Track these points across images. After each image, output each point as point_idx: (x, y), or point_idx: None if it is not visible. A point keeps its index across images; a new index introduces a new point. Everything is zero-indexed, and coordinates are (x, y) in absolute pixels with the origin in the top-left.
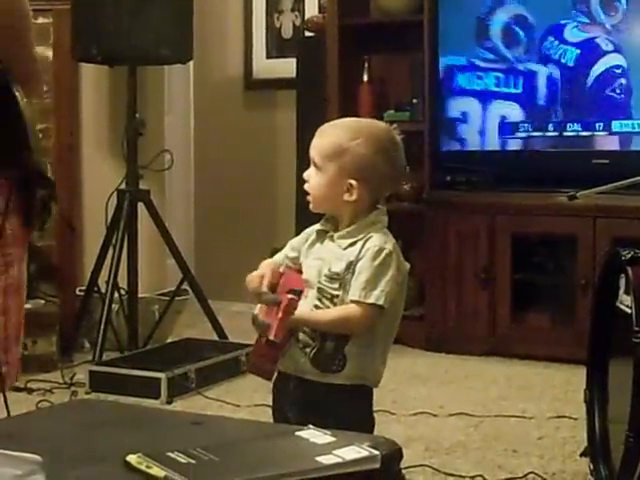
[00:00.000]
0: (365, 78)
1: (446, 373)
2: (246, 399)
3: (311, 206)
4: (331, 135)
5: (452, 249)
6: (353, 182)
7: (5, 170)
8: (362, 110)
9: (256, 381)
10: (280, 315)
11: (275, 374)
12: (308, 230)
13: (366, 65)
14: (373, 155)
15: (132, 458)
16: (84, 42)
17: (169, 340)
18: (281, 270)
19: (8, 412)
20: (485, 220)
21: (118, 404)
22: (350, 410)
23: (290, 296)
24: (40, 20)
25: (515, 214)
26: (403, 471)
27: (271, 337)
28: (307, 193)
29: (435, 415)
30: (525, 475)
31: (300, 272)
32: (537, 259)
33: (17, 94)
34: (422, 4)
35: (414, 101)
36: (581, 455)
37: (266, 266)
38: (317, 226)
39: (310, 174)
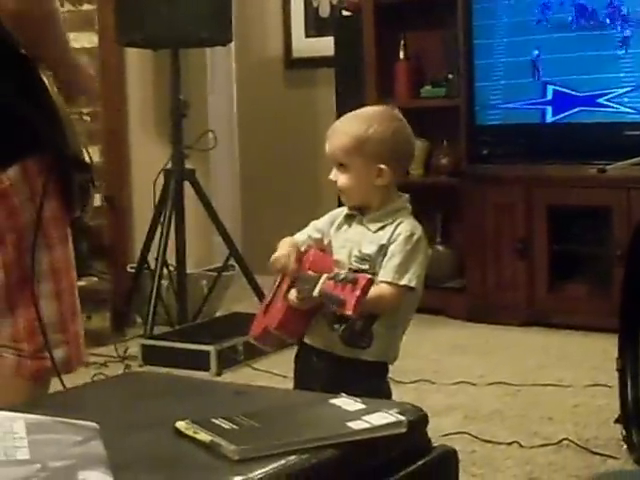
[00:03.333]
0: (401, 55)
1: (486, 343)
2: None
3: (347, 203)
4: (345, 132)
5: (490, 221)
6: (382, 166)
7: (39, 154)
8: (399, 87)
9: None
10: (358, 292)
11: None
12: (334, 212)
13: (402, 42)
14: (391, 137)
15: (180, 425)
16: (128, 28)
17: (217, 314)
18: (302, 249)
19: (63, 385)
20: (521, 192)
21: (168, 376)
22: (369, 384)
23: (368, 275)
24: (85, 7)
25: (550, 186)
26: (443, 437)
27: (348, 312)
28: (341, 192)
29: (474, 384)
30: (559, 441)
31: (323, 251)
32: (573, 230)
33: (45, 80)
34: None
35: (449, 76)
36: (615, 422)
37: (287, 244)
38: (345, 210)
39: (336, 175)
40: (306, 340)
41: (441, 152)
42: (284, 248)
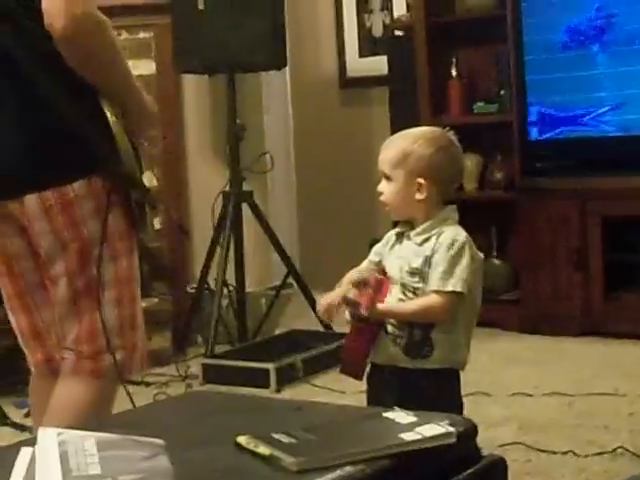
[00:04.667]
0: (453, 72)
1: (541, 354)
2: (351, 386)
3: (392, 215)
4: (394, 145)
5: (544, 234)
6: (421, 181)
7: (104, 171)
8: (452, 104)
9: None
10: (369, 291)
11: (364, 373)
12: (388, 234)
13: (454, 60)
14: (435, 153)
15: (241, 439)
16: (185, 54)
17: (277, 332)
18: (365, 276)
19: (133, 404)
20: (576, 204)
21: (228, 395)
22: (441, 392)
23: (379, 276)
24: (141, 35)
25: (605, 198)
26: (498, 449)
27: (362, 312)
28: (385, 204)
29: (530, 395)
30: (614, 450)
31: (384, 273)
32: (628, 240)
33: (105, 107)
34: None
35: (501, 92)
36: None
37: (348, 278)
38: (395, 229)
39: (383, 187)
40: (374, 360)
41: (495, 167)
42: (344, 283)
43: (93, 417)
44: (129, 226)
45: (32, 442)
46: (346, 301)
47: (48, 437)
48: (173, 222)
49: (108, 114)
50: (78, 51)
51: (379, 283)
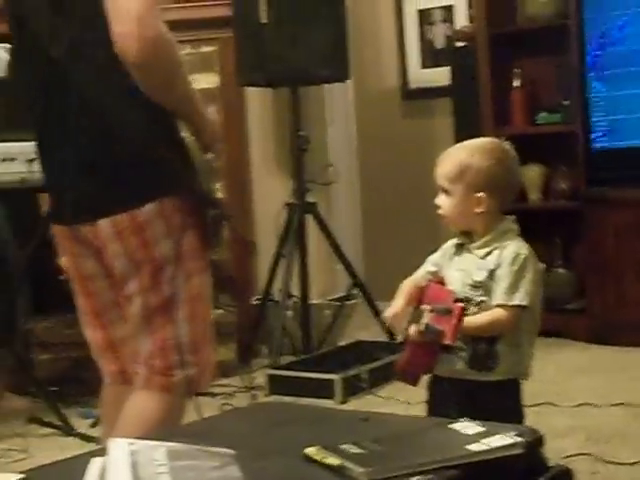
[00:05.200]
0: (516, 83)
1: (608, 364)
2: (417, 396)
3: (450, 226)
4: (450, 159)
5: (610, 243)
6: (480, 194)
7: (175, 193)
8: (515, 114)
9: (425, 379)
10: (454, 321)
11: (420, 379)
12: (445, 245)
13: (516, 70)
14: (492, 166)
15: (310, 450)
16: (248, 68)
17: (341, 343)
18: (423, 284)
19: (200, 415)
20: None
21: (295, 405)
22: (503, 403)
23: (460, 304)
24: (204, 49)
25: None
26: (565, 459)
27: (447, 341)
28: (444, 217)
29: (597, 406)
30: None
31: (442, 283)
32: None
33: (179, 126)
34: (567, 8)
35: (565, 102)
36: None
37: (403, 291)
38: (454, 240)
39: (441, 200)
40: (436, 372)
41: (559, 177)
42: (401, 290)
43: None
44: (202, 244)
45: (103, 452)
46: (428, 329)
47: (119, 447)
48: (240, 237)
49: (183, 133)
50: (151, 74)
51: (462, 312)
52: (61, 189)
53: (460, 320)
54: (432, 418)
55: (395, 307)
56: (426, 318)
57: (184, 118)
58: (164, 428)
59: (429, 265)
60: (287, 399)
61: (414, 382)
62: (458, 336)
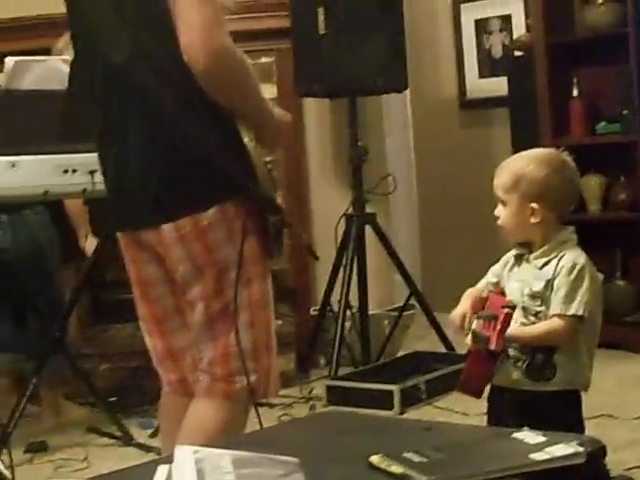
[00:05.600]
0: (575, 92)
1: None
2: (474, 408)
3: (509, 237)
4: (506, 170)
5: None
6: (534, 205)
7: (238, 197)
8: (574, 124)
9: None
10: (499, 327)
11: (484, 392)
12: (506, 256)
13: (575, 80)
14: (547, 176)
15: (374, 458)
16: (306, 78)
17: (399, 354)
18: (484, 295)
19: (261, 424)
20: None
21: (358, 414)
22: (562, 414)
23: (506, 310)
24: (263, 60)
25: None
26: (626, 471)
27: (492, 347)
28: (502, 228)
29: None
30: None
31: (503, 294)
32: None
33: (241, 133)
34: (626, 17)
35: (624, 112)
36: None
37: (468, 296)
38: (513, 251)
39: (499, 211)
40: (494, 382)
41: (619, 187)
42: (464, 299)
43: (224, 439)
44: (263, 250)
45: (169, 460)
46: (474, 335)
47: (185, 455)
48: (304, 246)
49: (245, 138)
50: (218, 83)
51: (507, 318)
52: (123, 195)
53: (505, 326)
54: (494, 427)
55: (456, 318)
56: (473, 324)
57: (251, 125)
58: (227, 437)
59: (490, 276)
60: (346, 410)
61: (477, 394)
62: (511, 344)
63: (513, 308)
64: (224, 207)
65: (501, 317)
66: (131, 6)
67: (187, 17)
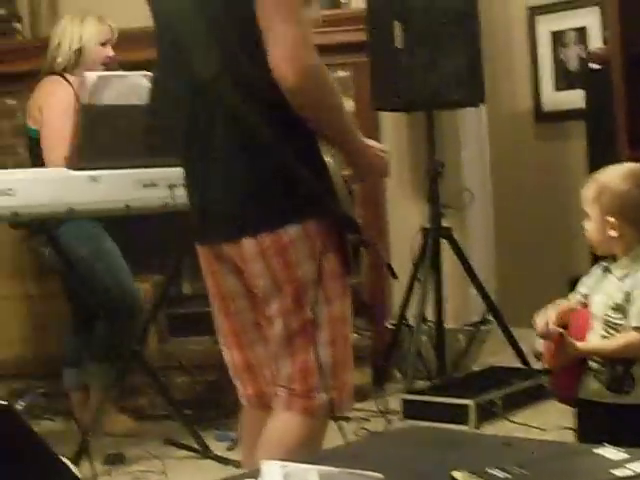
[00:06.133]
0: None
1: None
2: (551, 423)
3: (595, 250)
4: (593, 182)
5: None
6: (611, 219)
7: (319, 214)
8: None
9: (561, 405)
10: (550, 346)
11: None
12: (594, 268)
13: None
14: (629, 191)
15: (457, 474)
16: (383, 92)
17: (475, 368)
18: (573, 306)
19: (344, 439)
20: None
21: (437, 429)
22: None
23: (560, 330)
24: (340, 74)
25: None
26: None
27: (545, 365)
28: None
29: None
30: None
31: (584, 306)
32: None
33: (322, 151)
34: None
35: None
36: None
37: (554, 306)
38: (602, 263)
39: (586, 223)
40: (580, 395)
41: None
42: (550, 309)
43: (304, 453)
44: (343, 267)
45: (255, 474)
46: (534, 352)
47: (272, 469)
48: (384, 265)
49: (326, 156)
50: (305, 100)
51: (559, 339)
52: (206, 209)
53: (558, 346)
54: (575, 443)
55: (544, 317)
56: (536, 342)
57: (335, 143)
58: (307, 451)
59: (581, 287)
60: (421, 424)
61: (569, 403)
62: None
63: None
64: (305, 224)
65: (553, 337)
66: (219, 22)
67: (276, 33)
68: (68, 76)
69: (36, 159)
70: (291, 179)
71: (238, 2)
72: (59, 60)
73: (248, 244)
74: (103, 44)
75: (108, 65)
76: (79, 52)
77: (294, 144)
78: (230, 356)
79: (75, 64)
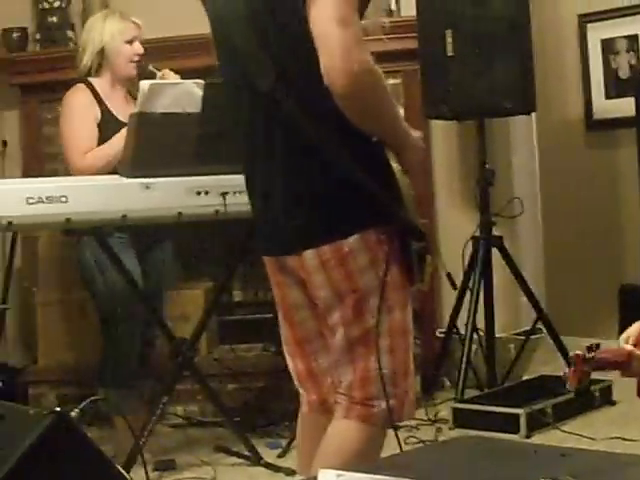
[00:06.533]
0: None
1: None
2: (602, 432)
3: None
4: None
5: None
6: None
7: (380, 225)
8: None
9: (610, 415)
10: (572, 368)
11: None
12: None
13: None
14: None
15: None
16: (433, 100)
17: (525, 377)
18: None
19: (401, 448)
20: None
21: (491, 439)
22: None
23: (578, 352)
24: (390, 81)
25: None
26: None
27: (567, 386)
28: None
29: None
30: None
31: None
32: None
33: (390, 160)
34: None
35: None
36: None
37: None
38: None
39: None
40: None
41: None
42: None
43: (362, 461)
44: (404, 277)
45: None
46: (563, 374)
47: (328, 478)
48: (442, 271)
49: (393, 164)
50: (358, 106)
51: (578, 358)
52: (268, 220)
53: (579, 367)
54: (631, 454)
55: (627, 332)
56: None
57: (391, 148)
58: (365, 460)
59: None
60: (471, 433)
61: None
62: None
63: (595, 348)
64: (366, 234)
65: (576, 359)
66: (273, 31)
67: (327, 39)
68: (93, 79)
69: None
70: (353, 189)
71: (288, 12)
72: (83, 63)
73: (308, 256)
74: (130, 42)
75: (139, 63)
76: (102, 53)
77: (357, 153)
78: (293, 364)
79: (100, 66)
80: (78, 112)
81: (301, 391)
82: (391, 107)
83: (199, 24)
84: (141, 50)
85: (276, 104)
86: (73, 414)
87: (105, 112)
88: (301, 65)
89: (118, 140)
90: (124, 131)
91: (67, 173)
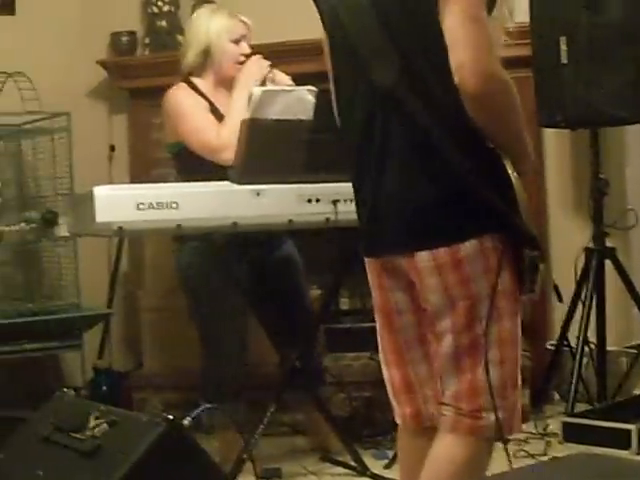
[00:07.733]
0: None
1: None
2: None
3: None
4: None
5: None
6: None
7: (495, 231)
8: None
9: None
10: None
11: None
12: None
13: None
14: None
15: None
16: (547, 109)
17: (636, 392)
18: None
19: (510, 463)
20: None
21: (604, 457)
22: None
23: None
24: None
25: None
26: None
27: None
28: None
29: None
30: None
31: None
32: None
33: (507, 167)
34: None
35: None
36: None
37: None
38: None
39: None
40: None
41: None
42: None
43: (470, 476)
44: (516, 286)
45: None
46: None
47: None
48: (552, 286)
49: (509, 170)
50: (485, 109)
51: None
52: (379, 219)
53: None
54: None
55: None
56: None
57: (511, 155)
58: (473, 475)
59: None
60: (581, 447)
61: None
62: None
63: None
64: (482, 239)
65: None
66: (400, 22)
67: (460, 37)
68: (196, 79)
69: (177, 175)
70: (472, 193)
71: (418, 7)
72: (186, 62)
73: (423, 257)
74: (237, 42)
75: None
76: (207, 52)
77: (477, 156)
78: (389, 375)
79: (203, 66)
80: (190, 104)
81: (394, 404)
82: (519, 113)
83: (310, 29)
84: (248, 50)
85: (396, 101)
86: (185, 422)
87: (212, 110)
88: (429, 59)
89: (236, 111)
90: (236, 103)
91: (184, 173)
